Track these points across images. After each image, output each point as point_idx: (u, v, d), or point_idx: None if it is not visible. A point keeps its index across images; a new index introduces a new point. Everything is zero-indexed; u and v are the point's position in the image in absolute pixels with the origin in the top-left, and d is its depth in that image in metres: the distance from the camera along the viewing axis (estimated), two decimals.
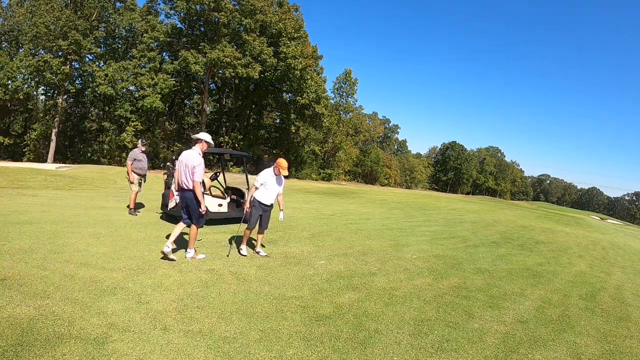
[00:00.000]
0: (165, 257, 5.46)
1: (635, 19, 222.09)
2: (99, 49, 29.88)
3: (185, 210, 5.55)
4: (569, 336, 4.60)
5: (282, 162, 6.09)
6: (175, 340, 3.31)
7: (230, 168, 32.09)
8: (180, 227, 5.55)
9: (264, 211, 6.16)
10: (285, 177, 6.31)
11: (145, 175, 8.91)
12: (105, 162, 30.17)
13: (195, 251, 5.77)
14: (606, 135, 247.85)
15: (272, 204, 6.21)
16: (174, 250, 5.65)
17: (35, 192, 10.93)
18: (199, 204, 5.38)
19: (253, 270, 5.54)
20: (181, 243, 6.24)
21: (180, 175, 5.44)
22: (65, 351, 2.96)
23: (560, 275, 7.90)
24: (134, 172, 8.55)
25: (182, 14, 31.08)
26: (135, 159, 8.54)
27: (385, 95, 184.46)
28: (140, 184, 8.74)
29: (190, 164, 5.29)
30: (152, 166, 29.24)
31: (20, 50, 29.70)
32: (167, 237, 5.86)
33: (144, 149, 8.79)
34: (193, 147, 5.52)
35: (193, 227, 5.56)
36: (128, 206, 8.91)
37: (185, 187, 5.40)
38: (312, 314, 4.22)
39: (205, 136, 5.59)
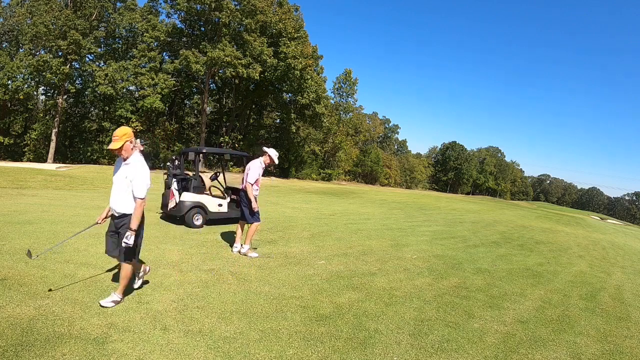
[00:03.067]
0: (245, 255, 6.17)
1: (635, 19, 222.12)
2: (99, 49, 29.85)
3: (241, 208, 6.22)
4: (569, 336, 4.60)
5: (116, 131, 3.92)
6: (175, 340, 3.31)
7: (230, 168, 32.10)
8: (240, 225, 6.38)
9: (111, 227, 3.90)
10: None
11: None
12: (105, 162, 30.16)
13: (250, 248, 6.30)
14: (606, 135, 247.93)
15: (122, 213, 3.80)
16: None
17: (35, 192, 10.93)
18: (249, 202, 5.98)
19: (253, 270, 5.54)
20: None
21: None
22: (65, 351, 2.96)
23: (560, 275, 7.90)
24: None
25: (182, 14, 31.07)
26: None
27: (385, 95, 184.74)
28: None
29: (248, 167, 6.09)
30: (152, 166, 29.22)
31: (20, 50, 29.66)
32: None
33: (142, 148, 8.78)
34: (259, 157, 6.22)
35: (253, 225, 6.17)
36: None
37: (241, 187, 6.19)
38: (312, 314, 4.22)
39: (271, 152, 6.18)
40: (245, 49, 30.45)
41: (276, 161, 6.20)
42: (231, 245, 6.58)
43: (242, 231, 6.43)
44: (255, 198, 6.10)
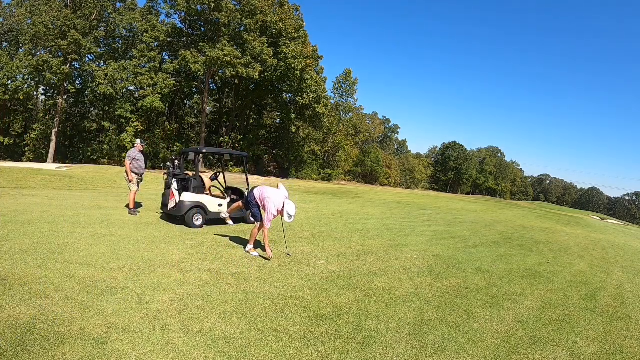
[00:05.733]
0: (247, 252, 6.42)
1: (635, 20, 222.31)
2: (98, 49, 29.86)
3: (251, 211, 6.57)
4: (569, 336, 4.60)
5: None
6: (175, 340, 3.31)
7: (230, 168, 32.10)
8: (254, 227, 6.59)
9: None
10: None
11: (143, 174, 8.89)
12: (105, 162, 30.16)
13: (253, 247, 6.54)
14: (606, 135, 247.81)
15: None
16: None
17: (35, 192, 10.92)
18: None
19: (253, 270, 5.54)
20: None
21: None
22: (65, 351, 2.96)
23: (560, 275, 7.90)
24: (132, 172, 8.54)
25: (182, 14, 31.07)
26: (133, 159, 8.53)
27: (385, 95, 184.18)
28: (138, 184, 8.74)
29: (266, 202, 6.20)
30: (152, 166, 29.22)
31: (20, 50, 29.67)
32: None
33: (141, 148, 8.79)
34: (280, 189, 6.38)
35: (259, 225, 6.42)
36: (127, 206, 8.91)
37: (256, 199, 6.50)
38: (312, 314, 4.22)
39: (289, 207, 6.09)
40: (245, 49, 30.45)
41: (287, 220, 6.14)
42: (243, 247, 6.68)
43: (257, 233, 6.51)
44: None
